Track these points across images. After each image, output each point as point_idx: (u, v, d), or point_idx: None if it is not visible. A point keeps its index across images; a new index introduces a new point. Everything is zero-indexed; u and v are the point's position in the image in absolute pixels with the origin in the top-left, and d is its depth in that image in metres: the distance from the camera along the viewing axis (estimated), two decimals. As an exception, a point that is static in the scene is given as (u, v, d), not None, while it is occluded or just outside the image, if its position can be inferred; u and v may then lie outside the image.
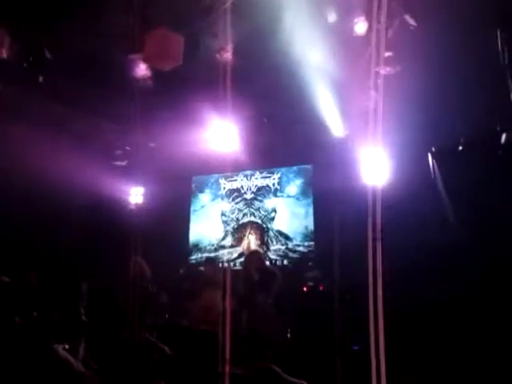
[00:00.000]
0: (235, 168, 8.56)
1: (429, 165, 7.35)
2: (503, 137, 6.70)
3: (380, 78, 2.37)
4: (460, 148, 7.15)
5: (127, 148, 9.15)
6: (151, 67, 6.48)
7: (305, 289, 7.16)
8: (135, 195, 9.45)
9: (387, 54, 5.78)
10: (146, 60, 5.76)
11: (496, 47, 6.17)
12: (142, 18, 6.05)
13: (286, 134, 7.72)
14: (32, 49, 6.35)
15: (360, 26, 5.83)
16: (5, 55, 5.99)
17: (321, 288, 7.07)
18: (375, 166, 5.48)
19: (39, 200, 7.80)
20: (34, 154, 7.32)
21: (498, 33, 6.09)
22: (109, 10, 6.20)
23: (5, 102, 7.32)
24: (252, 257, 6.44)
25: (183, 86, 6.98)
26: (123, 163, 9.21)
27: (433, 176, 7.31)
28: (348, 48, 5.74)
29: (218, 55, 6.50)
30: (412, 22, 5.80)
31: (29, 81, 6.67)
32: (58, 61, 6.50)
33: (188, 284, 7.60)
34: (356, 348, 6.08)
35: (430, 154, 7.32)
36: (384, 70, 5.89)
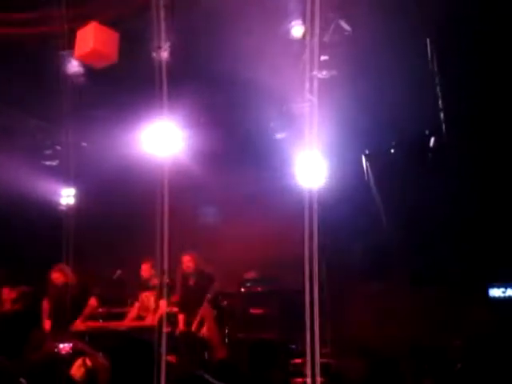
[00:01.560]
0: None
1: (362, 167, 7.56)
2: (431, 141, 7.01)
3: (316, 82, 2.38)
4: (392, 151, 7.41)
5: (57, 147, 8.76)
6: (85, 64, 6.25)
7: (242, 290, 7.17)
8: (66, 196, 9.07)
9: (323, 57, 5.89)
10: (78, 57, 5.53)
11: (426, 55, 6.44)
12: (76, 12, 5.83)
13: (223, 134, 7.68)
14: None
15: (297, 30, 5.89)
16: None
17: (259, 289, 7.10)
18: (311, 168, 5.55)
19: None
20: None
21: (428, 42, 6.36)
22: (41, 2, 5.93)
23: None
24: (186, 258, 6.36)
25: (118, 85, 6.79)
26: (53, 163, 8.81)
27: (366, 178, 7.53)
28: (286, 50, 5.80)
29: (154, 54, 6.36)
30: (347, 27, 5.93)
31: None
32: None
33: (122, 287, 7.43)
34: (293, 347, 6.18)
35: (363, 157, 7.54)
36: (320, 74, 6.01)
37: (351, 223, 7.00)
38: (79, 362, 3.84)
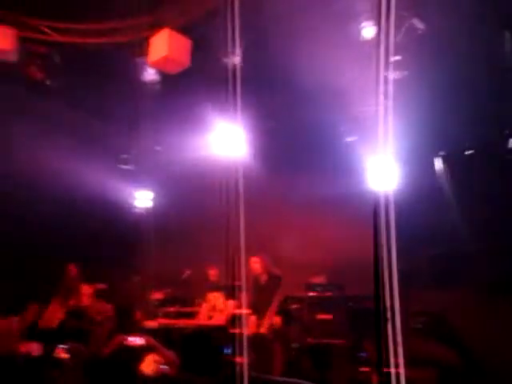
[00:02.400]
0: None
1: (437, 169, 7.28)
2: (511, 141, 6.64)
3: (388, 83, 2.32)
4: (468, 152, 7.08)
5: (133, 152, 9.14)
6: (158, 70, 6.45)
7: (311, 294, 7.11)
8: (142, 199, 9.44)
9: (395, 58, 5.74)
10: (152, 63, 5.73)
11: (504, 51, 6.11)
12: (149, 21, 6.05)
13: (293, 139, 7.66)
14: (40, 51, 6.35)
15: (368, 31, 5.78)
16: (14, 58, 6.00)
17: (327, 295, 7.01)
18: (384, 171, 5.39)
19: (42, 203, 7.79)
20: (40, 156, 7.32)
21: (507, 36, 6.03)
22: (116, 13, 6.20)
23: (12, 106, 7.33)
24: (253, 260, 6.41)
25: (190, 89, 6.96)
26: (129, 167, 9.20)
27: (442, 181, 7.24)
28: (356, 52, 5.71)
29: (225, 59, 6.46)
30: (420, 25, 5.75)
31: (36, 84, 6.68)
32: (64, 63, 6.50)
33: (190, 287, 7.64)
34: (362, 355, 6.07)
35: (438, 159, 7.26)
36: (392, 75, 5.84)
37: (425, 228, 6.76)
38: (150, 357, 3.96)
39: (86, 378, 2.58)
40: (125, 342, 3.71)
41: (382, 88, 2.14)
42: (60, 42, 6.29)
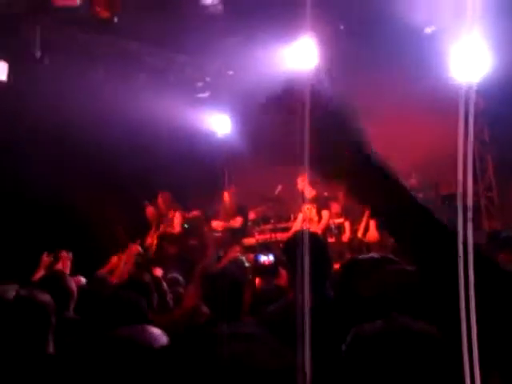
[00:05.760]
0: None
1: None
2: None
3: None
4: None
5: (207, 79, 9.13)
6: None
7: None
8: (221, 125, 9.55)
9: None
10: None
11: None
12: None
13: (366, 39, 7.24)
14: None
15: None
16: (78, 2, 6.08)
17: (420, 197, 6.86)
18: (469, 60, 4.99)
19: (125, 137, 8.02)
20: (114, 93, 7.50)
21: None
22: None
23: (82, 48, 7.49)
24: None
25: (253, 5, 6.72)
26: (205, 95, 9.23)
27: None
28: None
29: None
30: None
31: (104, 23, 6.73)
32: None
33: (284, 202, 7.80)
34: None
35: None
36: None
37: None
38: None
39: (203, 291, 2.78)
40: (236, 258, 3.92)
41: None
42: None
